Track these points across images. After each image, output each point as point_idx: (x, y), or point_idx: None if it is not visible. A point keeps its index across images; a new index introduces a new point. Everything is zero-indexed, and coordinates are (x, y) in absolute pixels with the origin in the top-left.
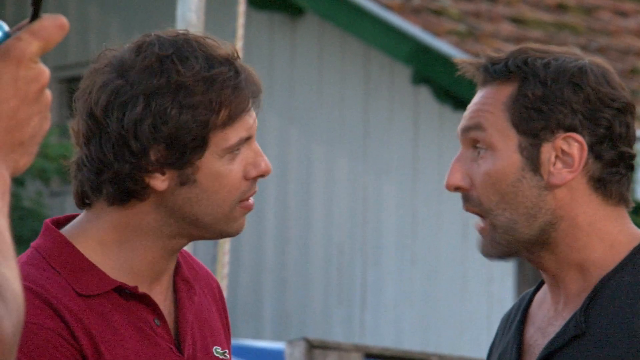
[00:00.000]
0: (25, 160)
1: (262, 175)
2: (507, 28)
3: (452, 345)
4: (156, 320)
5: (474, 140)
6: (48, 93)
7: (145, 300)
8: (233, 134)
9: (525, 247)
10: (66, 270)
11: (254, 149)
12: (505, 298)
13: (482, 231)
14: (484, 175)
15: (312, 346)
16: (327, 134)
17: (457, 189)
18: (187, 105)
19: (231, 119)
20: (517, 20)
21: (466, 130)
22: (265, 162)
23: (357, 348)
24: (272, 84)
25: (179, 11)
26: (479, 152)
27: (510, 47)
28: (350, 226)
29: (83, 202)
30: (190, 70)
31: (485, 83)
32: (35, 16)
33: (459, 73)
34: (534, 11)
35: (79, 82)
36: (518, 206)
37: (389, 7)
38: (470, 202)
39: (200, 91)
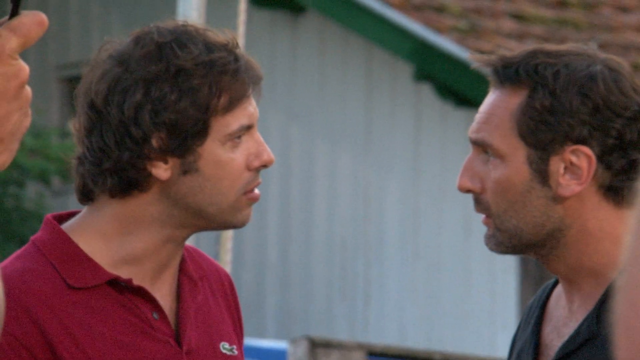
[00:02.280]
0: (5, 157)
1: (264, 166)
2: (508, 24)
3: (455, 341)
4: (154, 314)
5: (483, 148)
6: (28, 89)
7: (142, 294)
8: (234, 120)
9: (531, 249)
10: (60, 262)
11: (256, 139)
12: (508, 294)
13: (487, 224)
14: (494, 182)
15: (315, 344)
16: (329, 131)
17: (468, 191)
18: (186, 90)
19: (232, 105)
20: (518, 17)
21: (474, 141)
22: (268, 152)
23: (360, 346)
24: (274, 81)
25: (180, 9)
26: (489, 157)
27: (511, 44)
28: (352, 223)
29: (85, 196)
30: (189, 54)
31: (497, 85)
32: (14, 13)
33: (473, 66)
34: (535, 7)
35: (81, 81)
36: (526, 215)
37: (390, 4)
38: (480, 205)
39: (199, 75)
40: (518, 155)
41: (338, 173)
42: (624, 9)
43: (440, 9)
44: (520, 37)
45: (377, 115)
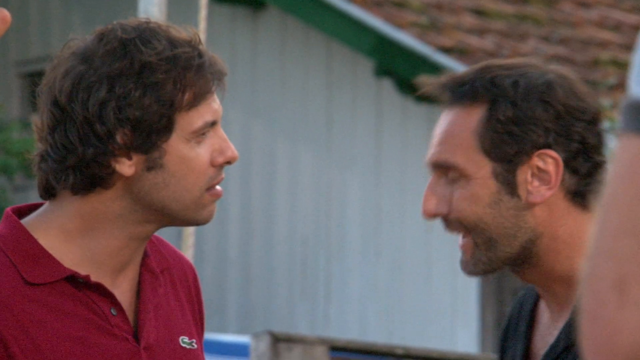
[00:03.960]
0: None
1: (228, 162)
2: (469, 20)
3: (416, 337)
4: (113, 310)
5: (444, 170)
6: None
7: (100, 290)
8: (198, 117)
9: (507, 264)
10: (19, 257)
11: (220, 136)
12: (469, 291)
13: (464, 248)
14: (460, 200)
15: (277, 339)
16: (291, 128)
17: (434, 216)
18: (150, 85)
19: (196, 101)
20: (479, 12)
21: (434, 165)
22: (232, 149)
23: (322, 341)
24: (235, 77)
25: (141, 5)
26: (452, 179)
27: (472, 39)
28: (314, 219)
29: (47, 193)
30: (153, 50)
31: (452, 104)
32: None
33: (420, 93)
34: (496, 3)
35: (41, 77)
36: (497, 227)
37: (350, 0)
38: (451, 226)
39: (163, 70)
40: (482, 171)
41: (299, 169)
42: (584, 5)
43: (401, 5)
44: (480, 32)
45: (338, 111)
